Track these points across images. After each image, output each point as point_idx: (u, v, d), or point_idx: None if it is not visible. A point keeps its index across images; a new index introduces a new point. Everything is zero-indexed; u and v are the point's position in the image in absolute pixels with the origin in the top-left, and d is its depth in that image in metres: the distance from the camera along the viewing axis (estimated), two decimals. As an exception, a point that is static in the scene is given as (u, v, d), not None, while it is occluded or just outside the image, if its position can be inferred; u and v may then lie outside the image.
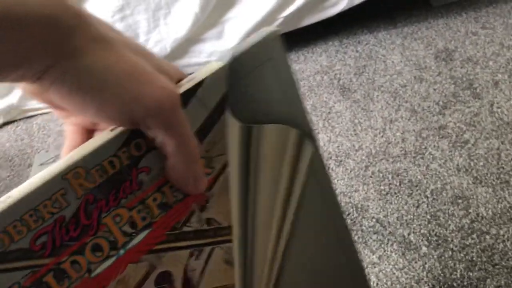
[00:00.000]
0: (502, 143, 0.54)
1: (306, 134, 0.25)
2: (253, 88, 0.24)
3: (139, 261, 0.22)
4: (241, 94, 0.23)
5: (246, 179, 0.24)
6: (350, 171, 0.54)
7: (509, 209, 0.48)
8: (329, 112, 0.62)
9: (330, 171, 0.54)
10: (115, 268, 0.21)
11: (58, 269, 0.20)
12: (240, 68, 0.23)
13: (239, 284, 0.26)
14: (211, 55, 0.69)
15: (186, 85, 0.21)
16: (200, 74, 0.22)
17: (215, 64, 0.22)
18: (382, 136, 0.57)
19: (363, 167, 0.54)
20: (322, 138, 0.58)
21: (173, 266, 0.23)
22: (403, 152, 0.55)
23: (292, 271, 0.28)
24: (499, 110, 0.58)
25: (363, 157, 0.55)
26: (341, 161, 0.55)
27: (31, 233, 0.19)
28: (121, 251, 0.21)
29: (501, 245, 0.45)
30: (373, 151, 0.56)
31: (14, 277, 0.19)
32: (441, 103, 0.60)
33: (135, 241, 0.21)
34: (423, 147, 0.55)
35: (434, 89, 0.63)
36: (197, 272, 0.24)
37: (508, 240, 0.45)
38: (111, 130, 0.19)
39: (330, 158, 0.56)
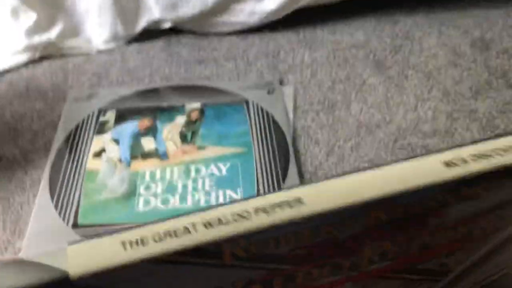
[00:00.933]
0: (532, 132, 0.55)
1: None
2: None
3: (358, 281, 0.21)
4: None
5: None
6: (380, 141, 0.55)
7: (533, 194, 0.49)
8: (362, 84, 0.62)
9: (360, 139, 0.55)
10: (336, 282, 0.20)
11: (291, 275, 0.18)
12: None
13: None
14: (250, 15, 0.69)
15: None
16: None
17: None
18: (413, 113, 0.58)
19: (393, 139, 0.55)
20: (354, 108, 0.59)
21: None
22: (433, 129, 0.56)
23: None
24: (531, 101, 0.59)
25: (393, 130, 0.56)
26: (371, 131, 0.56)
27: (297, 244, 0.17)
28: (354, 273, 0.20)
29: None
30: (404, 126, 0.56)
31: (252, 273, 0.17)
32: (474, 88, 0.61)
33: (372, 267, 0.20)
34: (453, 127, 0.56)
35: (468, 75, 0.63)
36: None
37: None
38: (446, 164, 0.16)
39: (361, 127, 0.56)
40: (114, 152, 0.54)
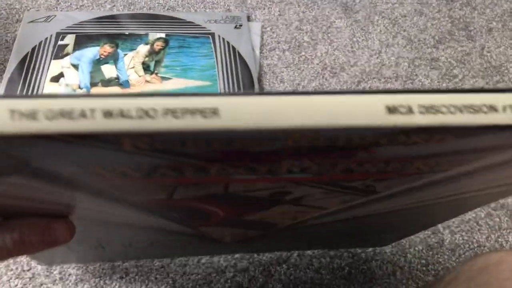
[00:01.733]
0: (487, 83, 0.57)
1: None
2: None
3: (275, 182, 0.20)
4: None
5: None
6: (343, 84, 0.55)
7: (483, 141, 0.51)
8: (329, 26, 0.62)
9: (324, 80, 0.55)
10: (251, 180, 0.19)
11: (202, 168, 0.17)
12: None
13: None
14: None
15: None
16: None
17: None
18: (377, 58, 0.59)
19: (356, 82, 0.56)
20: (320, 49, 0.59)
21: (299, 191, 0.22)
22: (395, 75, 0.57)
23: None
24: (488, 54, 0.61)
25: (357, 73, 0.57)
26: (335, 73, 0.56)
27: (207, 149, 0.15)
28: (272, 176, 0.19)
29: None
30: (367, 69, 0.57)
31: (158, 161, 0.16)
32: (436, 37, 0.62)
33: (291, 176, 0.19)
34: (414, 73, 0.57)
35: (432, 24, 0.64)
36: (313, 197, 0.23)
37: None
38: (389, 110, 0.14)
39: (326, 68, 0.57)
40: (72, 77, 0.52)
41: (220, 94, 0.14)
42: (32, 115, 0.13)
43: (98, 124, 0.13)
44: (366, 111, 0.14)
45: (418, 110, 0.15)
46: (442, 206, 0.29)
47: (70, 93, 0.14)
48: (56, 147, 0.14)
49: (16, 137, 0.13)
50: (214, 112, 0.14)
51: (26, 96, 0.13)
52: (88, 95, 0.14)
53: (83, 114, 0.13)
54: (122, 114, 0.13)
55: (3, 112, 0.13)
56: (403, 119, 0.14)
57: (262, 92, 0.14)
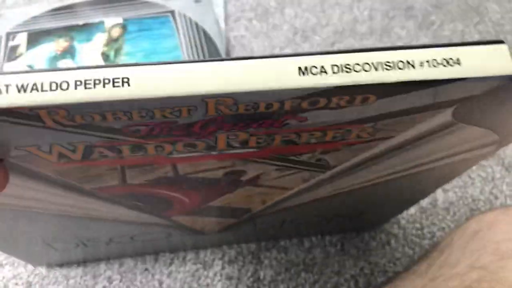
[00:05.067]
0: (466, 26, 0.54)
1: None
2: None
3: (223, 160, 0.20)
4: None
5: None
6: (317, 47, 0.52)
7: (468, 89, 0.49)
8: (295, -13, 0.58)
9: (297, 46, 0.52)
10: (195, 158, 0.19)
11: (139, 146, 0.17)
12: None
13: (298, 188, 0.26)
14: None
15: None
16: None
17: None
18: (349, 14, 0.55)
19: (330, 43, 0.53)
20: (289, 13, 0.55)
21: (252, 169, 0.22)
22: (369, 30, 0.54)
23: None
24: (465, -6, 0.57)
25: (330, 34, 0.53)
26: (307, 36, 0.53)
27: (130, 122, 0.15)
28: (214, 153, 0.19)
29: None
30: (340, 28, 0.54)
31: (86, 138, 0.16)
32: (409, -16, 0.59)
33: (234, 151, 0.19)
34: (389, 26, 0.54)
35: (403, -30, 0.61)
36: (270, 176, 0.23)
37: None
38: (301, 71, 0.15)
39: (297, 33, 0.54)
40: (30, 79, 0.49)
41: (131, 64, 0.14)
42: None
43: (12, 99, 0.14)
44: (277, 74, 0.15)
45: (331, 70, 0.15)
46: (408, 180, 0.28)
47: None
48: None
49: None
50: (126, 81, 0.14)
51: None
52: (2, 73, 0.14)
53: None
54: (36, 88, 0.14)
55: None
56: (316, 80, 0.15)
57: (176, 61, 0.15)
